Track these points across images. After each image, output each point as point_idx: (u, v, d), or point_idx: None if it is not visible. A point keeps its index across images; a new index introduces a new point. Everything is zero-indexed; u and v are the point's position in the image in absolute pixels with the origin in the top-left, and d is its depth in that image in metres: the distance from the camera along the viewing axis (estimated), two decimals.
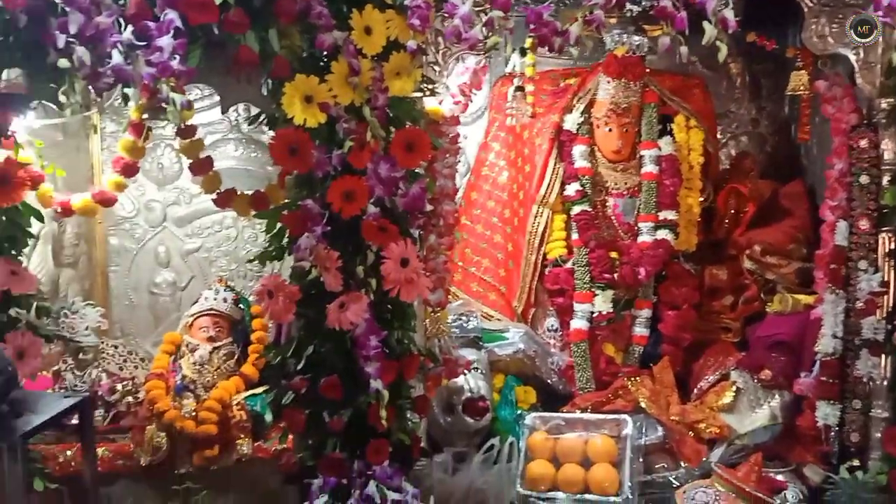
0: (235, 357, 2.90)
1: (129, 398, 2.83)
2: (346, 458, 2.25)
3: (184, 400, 2.76)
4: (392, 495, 2.27)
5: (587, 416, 2.70)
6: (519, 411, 2.83)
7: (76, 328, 2.91)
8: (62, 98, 2.00)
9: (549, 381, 2.98)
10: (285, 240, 2.25)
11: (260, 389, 2.84)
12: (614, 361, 3.08)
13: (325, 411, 2.25)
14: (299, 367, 2.30)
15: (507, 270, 3.26)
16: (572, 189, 3.12)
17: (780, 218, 3.25)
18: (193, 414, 2.72)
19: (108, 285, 3.36)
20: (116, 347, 3.10)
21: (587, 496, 2.47)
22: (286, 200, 2.27)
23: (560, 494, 2.49)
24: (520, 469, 2.58)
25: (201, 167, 2.50)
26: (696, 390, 3.02)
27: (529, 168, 3.22)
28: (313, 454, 2.32)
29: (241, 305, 3.01)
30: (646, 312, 3.15)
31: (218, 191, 2.51)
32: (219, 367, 2.85)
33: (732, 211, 3.26)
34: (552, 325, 3.17)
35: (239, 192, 2.51)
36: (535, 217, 3.16)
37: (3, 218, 2.24)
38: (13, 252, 2.30)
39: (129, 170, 2.50)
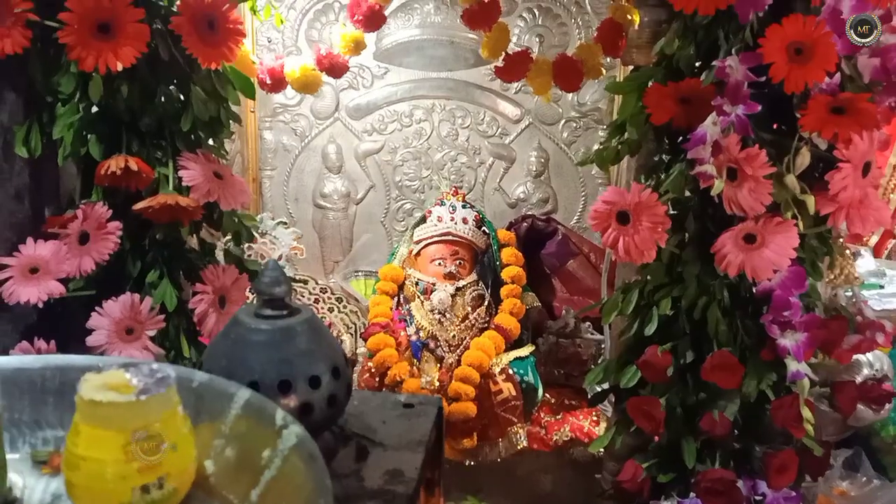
0: (486, 302, 2.06)
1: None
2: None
3: (423, 363, 1.95)
4: None
5: None
6: None
7: (266, 257, 2.11)
8: None
9: None
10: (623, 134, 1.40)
11: (525, 350, 2.02)
12: None
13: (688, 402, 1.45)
14: (648, 331, 1.49)
15: None
16: None
17: None
18: (438, 384, 1.91)
19: (262, 195, 2.56)
20: (306, 283, 2.30)
21: None
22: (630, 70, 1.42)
23: None
24: None
25: (480, 18, 1.59)
26: None
27: None
28: (660, 464, 1.53)
29: (484, 229, 2.16)
30: None
31: (505, 52, 1.61)
32: (465, 317, 2.03)
33: None
34: None
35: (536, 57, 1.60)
36: None
37: (200, 89, 1.39)
38: (212, 143, 1.47)
39: (374, 20, 1.60)
